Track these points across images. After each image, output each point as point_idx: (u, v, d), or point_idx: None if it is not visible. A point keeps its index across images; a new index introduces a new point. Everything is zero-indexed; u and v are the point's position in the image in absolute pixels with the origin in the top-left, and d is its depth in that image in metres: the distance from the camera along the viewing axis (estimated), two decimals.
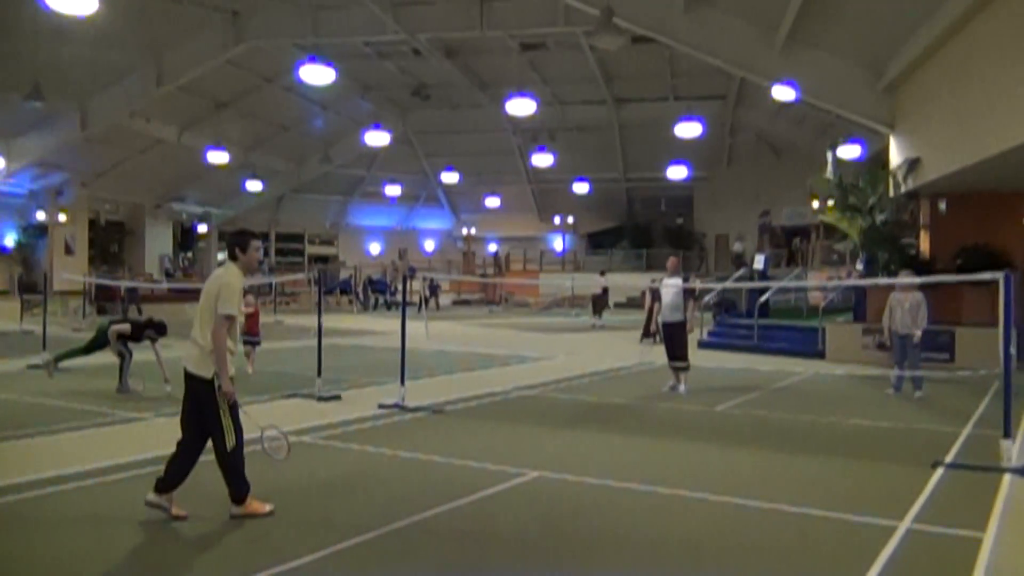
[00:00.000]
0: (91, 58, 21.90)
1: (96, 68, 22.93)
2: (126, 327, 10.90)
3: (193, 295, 30.68)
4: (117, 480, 6.25)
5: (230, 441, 5.22)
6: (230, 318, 5.22)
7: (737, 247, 36.31)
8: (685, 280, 11.59)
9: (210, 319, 5.23)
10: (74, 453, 7.09)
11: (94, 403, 9.66)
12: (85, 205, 31.51)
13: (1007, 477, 6.40)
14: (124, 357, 10.62)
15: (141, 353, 10.97)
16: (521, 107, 22.50)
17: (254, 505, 5.31)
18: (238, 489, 5.28)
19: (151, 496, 5.24)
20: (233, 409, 5.28)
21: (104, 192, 31.93)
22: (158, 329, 11.01)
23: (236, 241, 5.50)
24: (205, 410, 5.24)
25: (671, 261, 11.85)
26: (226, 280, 5.30)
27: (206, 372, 5.22)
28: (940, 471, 6.64)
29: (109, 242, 33.70)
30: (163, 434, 7.99)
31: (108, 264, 32.21)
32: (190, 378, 5.29)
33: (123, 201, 33.70)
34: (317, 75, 19.48)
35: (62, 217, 30.18)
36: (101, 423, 8.54)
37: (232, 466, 5.27)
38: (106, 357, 11.05)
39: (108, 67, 23.12)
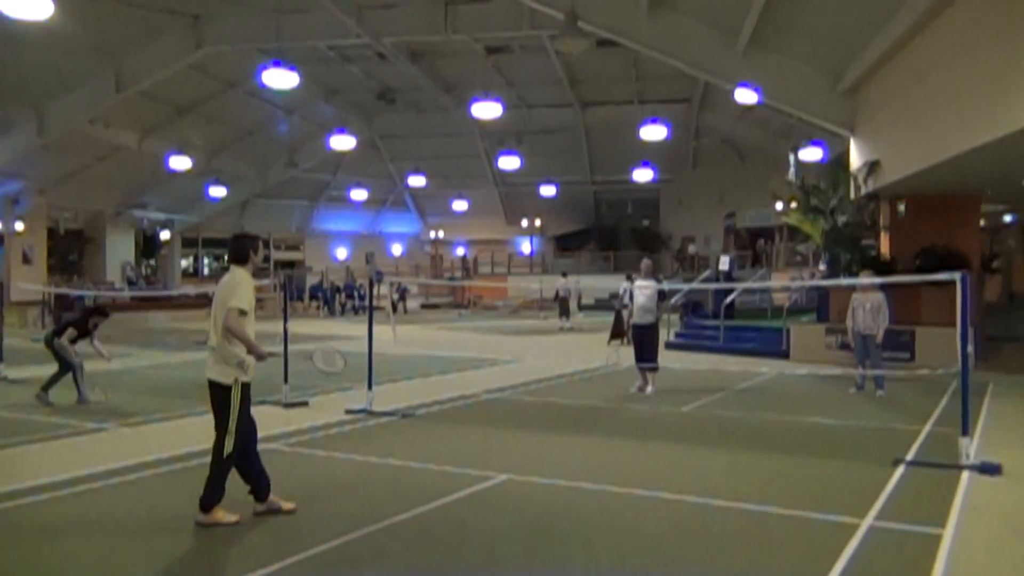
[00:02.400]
0: (48, 63, 21.48)
1: (53, 73, 22.48)
2: (72, 331, 10.58)
3: (156, 304, 30.48)
4: (86, 491, 6.13)
5: (228, 447, 5.36)
6: (244, 313, 5.38)
7: (692, 249, 36.84)
8: (658, 282, 11.69)
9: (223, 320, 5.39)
10: (42, 465, 6.95)
11: (57, 415, 9.48)
12: (43, 213, 30.87)
13: (965, 474, 6.54)
14: (74, 368, 10.36)
15: (96, 364, 10.77)
16: (487, 110, 22.48)
17: (218, 514, 5.31)
18: (210, 496, 5.31)
19: (258, 507, 5.49)
20: (244, 416, 5.42)
21: (63, 200, 31.30)
22: (99, 312, 10.77)
23: (247, 244, 5.67)
24: (219, 412, 5.40)
25: (645, 263, 11.91)
26: (236, 281, 5.48)
27: (225, 378, 5.39)
28: (901, 469, 6.77)
29: (68, 251, 33.06)
30: (128, 444, 7.90)
31: (63, 273, 31.55)
32: (211, 384, 5.46)
33: (83, 209, 33.05)
34: (280, 79, 19.28)
35: (19, 226, 29.51)
36: (65, 434, 8.37)
37: (219, 472, 5.37)
38: (53, 370, 10.72)
39: (65, 72, 22.67)
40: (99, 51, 22.25)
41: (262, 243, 5.81)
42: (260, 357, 5.51)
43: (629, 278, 24.54)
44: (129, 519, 5.50)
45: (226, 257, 5.83)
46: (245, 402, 5.46)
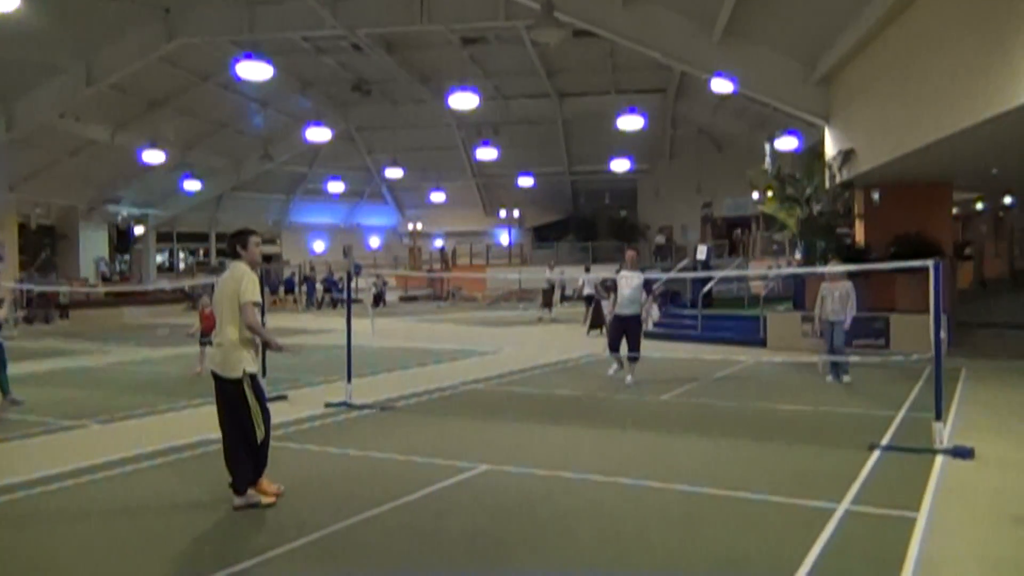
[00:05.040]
0: (15, 57, 21.11)
1: (21, 68, 22.12)
2: None
3: (131, 299, 30.07)
4: (63, 488, 6.06)
5: (260, 433, 5.58)
6: (257, 304, 5.60)
7: (659, 239, 37.10)
8: (642, 271, 11.74)
9: (232, 317, 5.55)
10: (22, 462, 6.86)
11: (33, 413, 9.34)
12: (14, 210, 30.36)
13: (939, 458, 6.64)
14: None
15: (72, 360, 10.64)
16: (464, 101, 22.44)
17: (263, 485, 5.66)
18: (244, 476, 5.57)
19: (237, 501, 5.49)
20: (262, 402, 5.63)
21: (34, 196, 30.79)
22: None
23: (236, 240, 5.82)
24: (236, 407, 5.55)
25: (630, 255, 11.94)
26: (240, 275, 5.63)
27: (234, 373, 5.52)
28: (876, 454, 6.85)
29: (41, 247, 32.57)
30: (106, 440, 7.81)
31: (30, 269, 31.05)
32: (219, 380, 5.60)
33: (54, 204, 32.56)
34: (254, 71, 19.15)
35: None
36: (41, 432, 8.26)
37: (258, 454, 5.60)
38: (28, 368, 10.48)
39: (34, 66, 22.31)
40: (69, 44, 21.93)
41: (253, 237, 5.86)
42: (278, 348, 5.84)
43: (587, 270, 24.85)
44: (108, 515, 5.46)
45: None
46: (259, 390, 5.64)
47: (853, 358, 11.32)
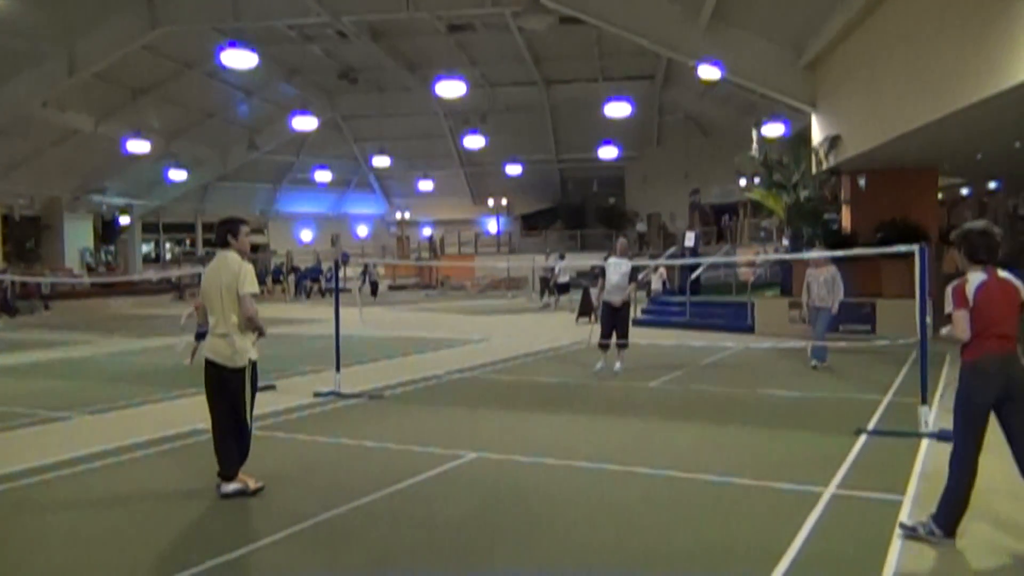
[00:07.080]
0: None
1: (2, 56, 21.89)
2: None
3: (117, 290, 29.93)
4: (49, 479, 6.04)
5: (250, 422, 5.66)
6: (255, 295, 5.62)
7: (640, 227, 37.22)
8: (630, 259, 11.75)
9: (232, 306, 5.56)
10: (7, 454, 6.83)
11: (17, 404, 9.29)
12: None
13: (925, 442, 6.69)
14: None
15: (51, 352, 10.57)
16: (451, 89, 22.36)
17: (245, 478, 5.61)
18: (234, 463, 5.59)
19: (226, 488, 5.50)
20: (255, 390, 5.70)
21: (17, 186, 30.57)
22: None
23: (228, 229, 5.76)
24: (234, 395, 5.58)
25: (621, 243, 11.93)
26: (237, 265, 5.62)
27: (241, 362, 5.55)
28: (863, 438, 6.90)
29: (25, 238, 32.33)
30: (93, 431, 7.77)
31: (19, 261, 30.78)
32: (220, 369, 5.58)
33: (38, 195, 32.32)
34: (239, 60, 19.00)
35: None
36: (27, 423, 8.21)
37: (240, 444, 5.64)
38: (13, 359, 10.46)
39: (15, 55, 22.08)
40: (50, 32, 21.70)
41: (243, 226, 5.84)
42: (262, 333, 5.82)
43: (561, 256, 24.97)
44: (97, 505, 5.45)
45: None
46: (255, 379, 5.69)
47: (839, 343, 11.36)
